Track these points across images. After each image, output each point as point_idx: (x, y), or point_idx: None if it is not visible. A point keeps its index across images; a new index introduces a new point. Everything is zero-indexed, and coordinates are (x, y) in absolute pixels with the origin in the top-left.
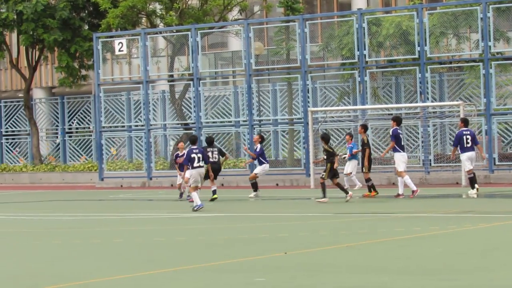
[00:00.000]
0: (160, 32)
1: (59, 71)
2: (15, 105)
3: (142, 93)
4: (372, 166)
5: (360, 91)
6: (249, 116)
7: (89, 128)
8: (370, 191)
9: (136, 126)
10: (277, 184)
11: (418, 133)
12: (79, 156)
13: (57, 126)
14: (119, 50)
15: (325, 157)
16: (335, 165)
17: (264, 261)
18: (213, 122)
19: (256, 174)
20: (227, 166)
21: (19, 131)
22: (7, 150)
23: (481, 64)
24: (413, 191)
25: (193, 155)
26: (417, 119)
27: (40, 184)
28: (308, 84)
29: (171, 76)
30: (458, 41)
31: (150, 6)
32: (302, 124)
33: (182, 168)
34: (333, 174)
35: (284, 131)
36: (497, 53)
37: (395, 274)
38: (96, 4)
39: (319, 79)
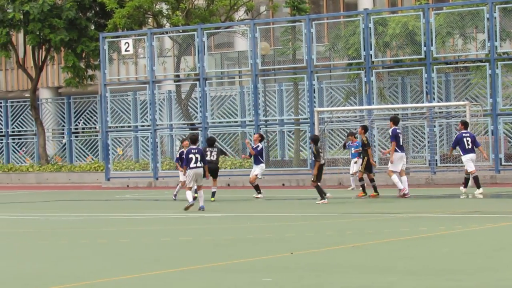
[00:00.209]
0: (167, 32)
1: (66, 71)
2: (21, 105)
3: (148, 93)
4: (377, 166)
5: (366, 91)
6: (255, 116)
7: (95, 128)
8: (364, 191)
9: (142, 126)
10: (283, 184)
11: (424, 133)
12: (85, 156)
13: (63, 126)
14: (126, 50)
15: (313, 158)
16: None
17: (271, 261)
18: (219, 122)
19: (256, 175)
20: (233, 166)
21: (25, 131)
22: (13, 150)
23: (487, 64)
24: (400, 190)
25: (191, 155)
26: (423, 119)
27: (47, 184)
28: (314, 84)
29: (177, 76)
30: (465, 41)
31: (157, 6)
32: (308, 124)
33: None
34: (320, 175)
35: (290, 131)
36: (504, 53)
37: (401, 274)
38: (102, 4)
39: (325, 79)
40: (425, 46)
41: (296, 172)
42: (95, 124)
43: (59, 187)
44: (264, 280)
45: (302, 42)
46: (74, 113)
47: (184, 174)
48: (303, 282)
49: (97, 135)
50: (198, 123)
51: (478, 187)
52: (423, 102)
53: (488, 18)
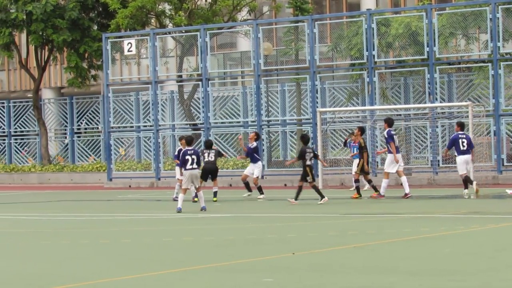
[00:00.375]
0: (169, 33)
1: (68, 71)
2: (24, 105)
3: (151, 94)
4: (381, 166)
5: (369, 91)
6: (257, 117)
7: (97, 128)
8: (359, 192)
9: (145, 126)
10: (285, 185)
11: (426, 134)
12: (87, 157)
13: (65, 126)
14: (128, 51)
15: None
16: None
17: (272, 262)
18: (222, 123)
19: (257, 177)
20: (235, 167)
21: (28, 131)
22: (15, 150)
23: (490, 64)
24: (380, 195)
25: (187, 157)
26: (425, 120)
27: (49, 184)
28: (316, 85)
29: (180, 76)
30: (467, 41)
31: (159, 7)
32: (311, 125)
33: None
34: (304, 176)
35: (292, 132)
36: (506, 53)
37: (403, 274)
38: (105, 4)
39: (328, 80)
40: (427, 46)
41: (298, 173)
42: (97, 125)
43: (61, 187)
44: (266, 281)
45: (305, 43)
46: (77, 113)
47: (181, 174)
48: (304, 283)
49: (99, 136)
50: (201, 124)
51: (466, 187)
52: (425, 103)
53: (491, 19)
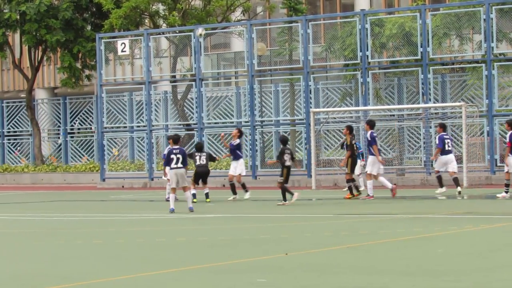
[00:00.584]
0: (163, 33)
1: (62, 71)
2: (17, 105)
3: (145, 94)
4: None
5: (363, 92)
6: (251, 117)
7: (91, 128)
8: (352, 193)
9: (138, 126)
10: None
11: (420, 134)
12: (80, 157)
13: (59, 126)
14: (122, 51)
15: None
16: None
17: (266, 262)
18: (215, 123)
19: (241, 175)
20: (228, 167)
21: (21, 131)
22: (8, 151)
23: (483, 65)
24: (368, 195)
25: (172, 156)
26: (419, 120)
27: (42, 184)
28: (310, 85)
29: (174, 76)
30: (461, 42)
31: (153, 7)
32: (304, 125)
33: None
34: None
35: (286, 132)
36: (500, 54)
37: (397, 275)
38: (99, 4)
39: (322, 80)
40: (421, 47)
41: (292, 173)
42: (90, 125)
43: (54, 187)
44: (259, 281)
45: (299, 43)
46: (70, 113)
47: (165, 176)
48: (298, 283)
49: (92, 136)
50: (194, 124)
51: (441, 186)
52: (419, 103)
53: (484, 19)
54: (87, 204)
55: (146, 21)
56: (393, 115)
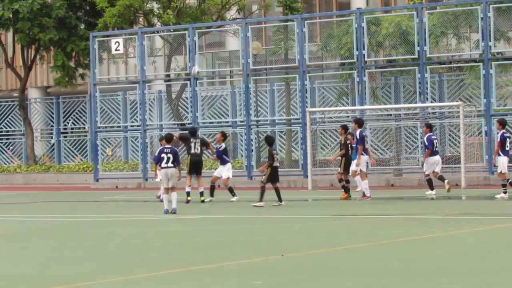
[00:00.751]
0: (157, 31)
1: (55, 70)
2: (9, 104)
3: (139, 93)
4: (369, 167)
5: (359, 91)
6: (246, 117)
7: (84, 128)
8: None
9: (132, 126)
10: None
11: (417, 134)
12: (74, 157)
13: (52, 126)
14: (116, 50)
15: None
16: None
17: (261, 264)
18: (210, 123)
19: (228, 178)
20: None
21: (13, 131)
22: (1, 151)
23: (481, 64)
24: (365, 195)
25: (163, 155)
26: (416, 120)
27: (34, 185)
28: (306, 84)
29: (168, 76)
30: (458, 41)
31: (147, 5)
32: (300, 125)
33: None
34: (273, 178)
35: (281, 132)
36: (498, 53)
37: (395, 277)
38: (92, 3)
39: (318, 79)
40: (418, 46)
41: (288, 173)
42: (84, 124)
43: (47, 188)
44: (254, 283)
45: (294, 42)
46: (63, 113)
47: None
48: (294, 286)
49: (86, 136)
50: (189, 123)
51: (432, 189)
52: (416, 103)
53: (482, 18)
54: (80, 204)
55: (140, 19)
56: (390, 115)
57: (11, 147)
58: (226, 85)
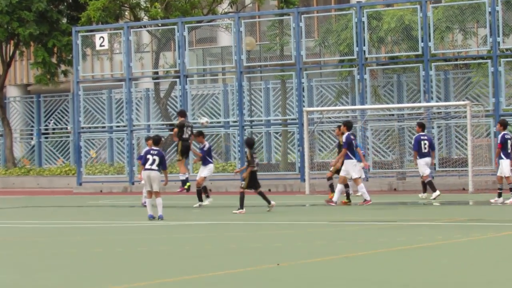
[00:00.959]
0: (145, 26)
1: (35, 67)
2: None
3: (125, 92)
4: (370, 170)
5: (359, 90)
6: (239, 117)
7: (66, 129)
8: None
9: (118, 126)
10: (269, 190)
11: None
12: (55, 159)
13: (32, 126)
14: (100, 45)
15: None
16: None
17: (256, 273)
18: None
19: (204, 177)
20: (215, 171)
21: None
22: None
23: (489, 61)
24: (365, 200)
25: (148, 156)
26: (420, 120)
27: (13, 189)
28: (303, 82)
29: (156, 73)
30: (465, 36)
31: None
32: (297, 125)
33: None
34: (253, 183)
35: (277, 133)
36: (507, 49)
37: (397, 287)
38: None
39: (315, 77)
40: (422, 41)
41: (284, 177)
42: (66, 125)
43: (27, 192)
44: None
45: (290, 37)
46: (44, 112)
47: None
48: None
49: (68, 137)
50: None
51: (434, 190)
52: (420, 102)
53: (490, 12)
54: (62, 210)
55: (126, 13)
56: (393, 115)
57: None
58: (218, 83)
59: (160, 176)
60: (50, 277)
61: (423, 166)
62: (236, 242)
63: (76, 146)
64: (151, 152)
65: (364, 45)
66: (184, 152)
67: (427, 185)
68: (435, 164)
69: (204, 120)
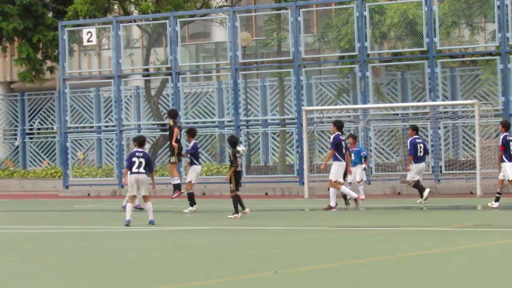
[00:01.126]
0: (135, 20)
1: (19, 63)
2: None
3: (114, 90)
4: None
5: (361, 88)
6: (235, 116)
7: (52, 129)
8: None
9: (107, 126)
10: (266, 194)
11: (427, 136)
12: (41, 161)
13: (16, 126)
14: (88, 41)
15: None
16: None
17: (252, 281)
18: (194, 123)
19: (191, 182)
20: (209, 173)
21: None
22: None
23: (498, 58)
24: (355, 199)
25: (134, 159)
26: (426, 120)
27: None
28: (302, 80)
29: (147, 70)
30: (472, 31)
31: None
32: (295, 125)
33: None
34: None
35: (274, 133)
36: None
37: None
38: None
39: (315, 74)
40: (427, 37)
41: (281, 180)
42: (52, 125)
43: (10, 195)
44: None
45: (288, 32)
46: (29, 111)
47: (125, 182)
48: None
49: (54, 137)
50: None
51: (422, 190)
52: (425, 101)
53: (498, 6)
54: (48, 214)
55: (115, 7)
56: (397, 115)
57: None
58: (212, 81)
59: (148, 179)
60: (33, 287)
61: (416, 173)
62: (232, 249)
63: (62, 147)
64: (137, 154)
65: (366, 41)
66: (180, 154)
67: (416, 188)
68: (441, 167)
69: (241, 148)
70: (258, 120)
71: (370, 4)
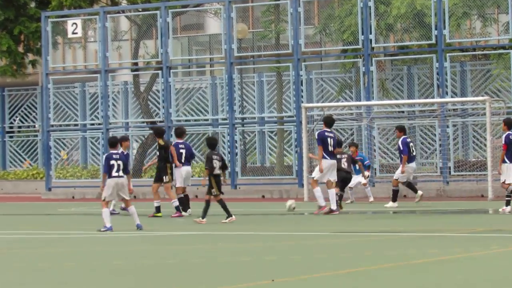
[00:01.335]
0: (123, 11)
1: None
2: None
3: (100, 85)
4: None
5: (365, 83)
6: (229, 114)
7: (34, 127)
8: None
9: (92, 124)
10: (263, 196)
11: (435, 135)
12: (22, 161)
13: None
14: (73, 33)
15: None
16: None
17: None
18: (186, 120)
19: (181, 187)
20: (201, 175)
21: None
22: None
23: (511, 51)
24: (320, 207)
25: (112, 162)
26: (434, 118)
27: None
28: (301, 75)
29: (136, 64)
30: (484, 23)
31: None
32: (294, 124)
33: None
34: (210, 188)
35: (272, 132)
36: None
37: None
38: None
39: (315, 69)
40: (436, 29)
41: (279, 181)
42: (34, 122)
43: None
44: None
45: (287, 24)
46: (9, 108)
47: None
48: None
49: (36, 136)
50: (160, 121)
51: (394, 200)
52: (433, 97)
53: None
54: (29, 218)
55: None
56: (403, 112)
57: None
58: (205, 76)
59: (127, 183)
60: None
61: (408, 173)
62: (227, 255)
63: (45, 146)
64: (114, 157)
65: (371, 33)
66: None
67: (408, 188)
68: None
69: (290, 202)
70: (255, 118)
71: None
